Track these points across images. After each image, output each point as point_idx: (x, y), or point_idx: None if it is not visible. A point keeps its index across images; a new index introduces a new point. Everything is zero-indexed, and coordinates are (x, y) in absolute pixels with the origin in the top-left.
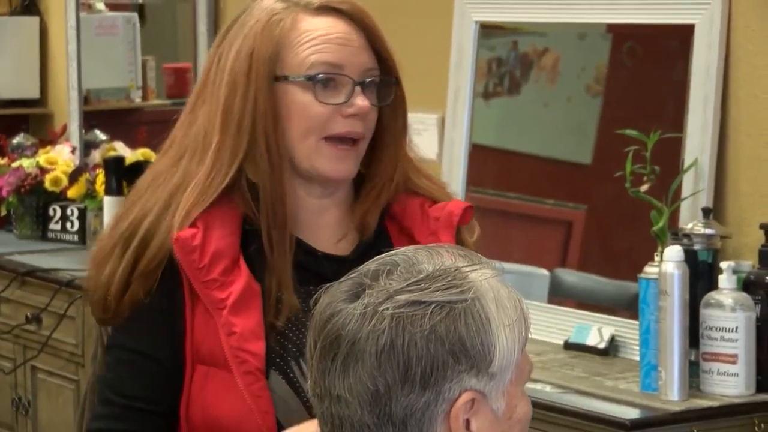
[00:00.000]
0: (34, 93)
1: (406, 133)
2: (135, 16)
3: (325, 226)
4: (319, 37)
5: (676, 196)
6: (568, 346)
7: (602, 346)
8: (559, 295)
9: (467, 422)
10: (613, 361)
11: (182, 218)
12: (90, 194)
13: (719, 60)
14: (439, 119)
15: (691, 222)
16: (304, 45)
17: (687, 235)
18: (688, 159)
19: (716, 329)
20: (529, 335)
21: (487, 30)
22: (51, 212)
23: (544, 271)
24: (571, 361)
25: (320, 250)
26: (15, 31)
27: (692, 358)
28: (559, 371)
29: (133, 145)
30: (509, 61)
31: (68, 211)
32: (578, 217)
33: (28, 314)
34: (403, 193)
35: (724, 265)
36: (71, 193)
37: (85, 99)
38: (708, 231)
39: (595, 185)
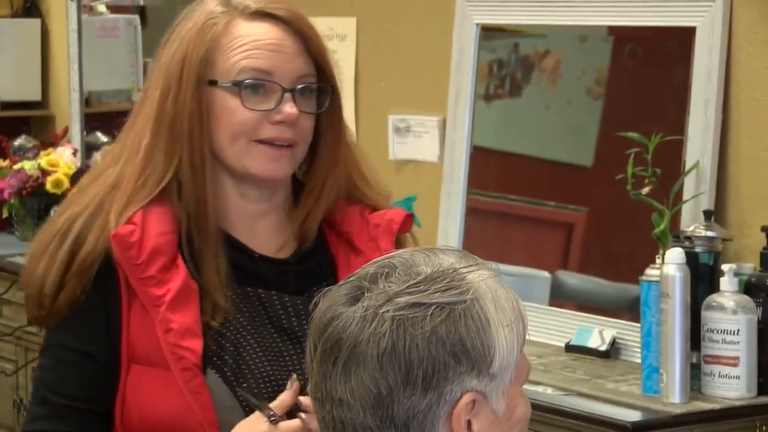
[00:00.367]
0: (35, 95)
1: (343, 141)
2: (136, 18)
3: (263, 231)
4: (250, 43)
5: (678, 199)
6: (570, 348)
7: (603, 348)
8: (560, 297)
9: (469, 423)
10: (614, 363)
11: (118, 215)
12: None
13: (720, 62)
14: (440, 121)
15: (693, 224)
16: (235, 50)
17: (688, 238)
18: (689, 161)
19: (717, 332)
20: (527, 335)
21: (488, 32)
22: (52, 214)
23: (545, 274)
24: (572, 364)
25: (258, 252)
26: (16, 34)
27: (693, 360)
28: (561, 373)
29: None
30: (510, 63)
31: None
32: (579, 220)
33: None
34: (343, 201)
35: (725, 267)
36: None
37: (86, 101)
38: (709, 233)
39: (596, 187)
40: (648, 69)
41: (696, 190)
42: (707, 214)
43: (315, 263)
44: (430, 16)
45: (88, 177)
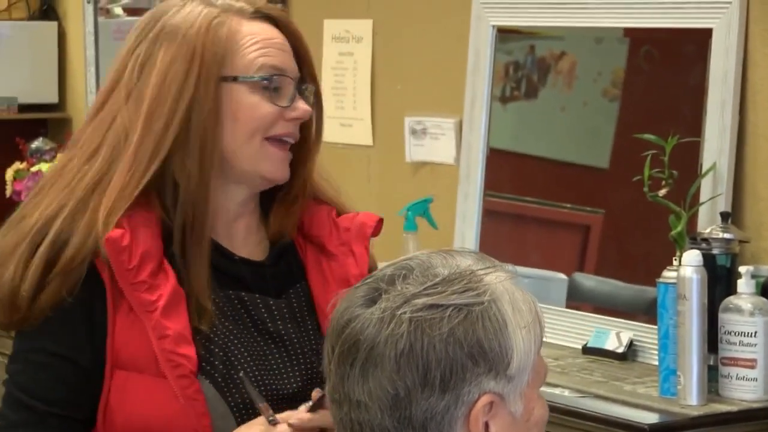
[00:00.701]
0: (52, 97)
1: (320, 142)
2: None
3: (240, 233)
4: (262, 41)
5: (695, 201)
6: (587, 350)
7: (620, 350)
8: (577, 299)
9: (486, 425)
10: (631, 365)
11: (106, 215)
12: None
13: (737, 64)
14: (457, 123)
15: (710, 226)
16: (250, 47)
17: (705, 240)
18: (706, 163)
19: (735, 334)
20: (544, 337)
21: (505, 34)
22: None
23: (562, 276)
24: (589, 366)
25: (238, 255)
26: (33, 37)
27: (711, 362)
28: (578, 376)
29: None
30: (526, 65)
31: None
32: (596, 222)
33: None
34: (310, 200)
35: (742, 269)
36: None
37: None
38: (726, 235)
39: (613, 189)
40: (664, 71)
41: (713, 191)
42: (724, 216)
43: (287, 265)
44: (446, 18)
45: (50, 177)
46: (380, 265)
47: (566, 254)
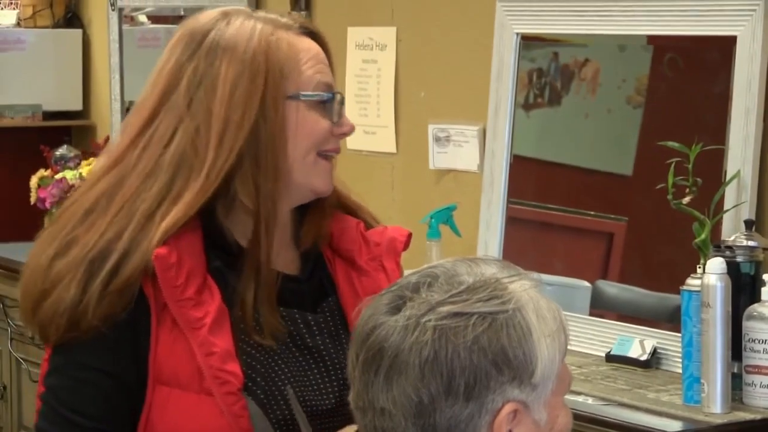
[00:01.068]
0: (77, 105)
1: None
2: (177, 28)
3: (276, 246)
4: (314, 57)
5: (719, 208)
6: (610, 358)
7: (644, 358)
8: (600, 307)
9: None
10: (655, 373)
11: (162, 235)
12: None
13: (761, 72)
14: (480, 131)
15: (734, 234)
16: (306, 64)
17: (729, 247)
18: (730, 171)
19: (759, 341)
20: (568, 346)
21: (528, 41)
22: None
23: (586, 283)
24: (613, 374)
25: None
26: (58, 44)
27: (735, 370)
28: (601, 383)
29: None
30: (550, 72)
31: None
32: (619, 229)
33: None
34: (337, 211)
35: (766, 277)
36: None
37: (127, 111)
38: (750, 243)
39: (637, 197)
40: (688, 78)
41: (737, 199)
42: (748, 224)
43: (318, 279)
44: (469, 26)
45: (100, 194)
46: (405, 272)
47: (590, 262)
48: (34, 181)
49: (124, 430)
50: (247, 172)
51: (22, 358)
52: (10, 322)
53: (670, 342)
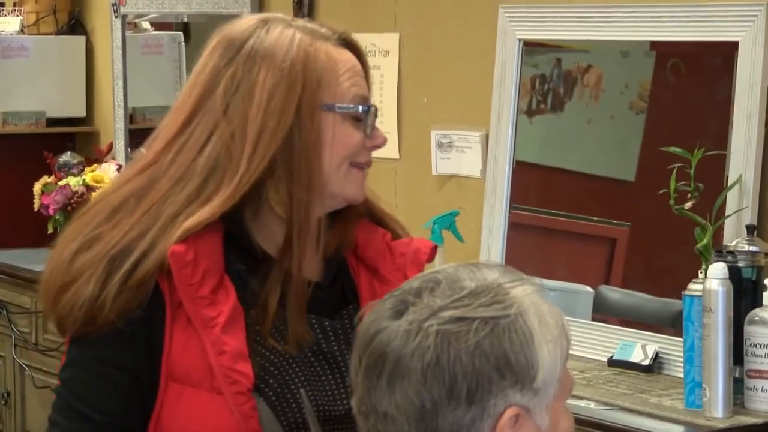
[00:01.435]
0: (80, 111)
1: None
2: (180, 35)
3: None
4: (351, 69)
5: (720, 214)
6: (612, 363)
7: (646, 363)
8: (602, 312)
9: None
10: (657, 378)
11: (181, 233)
12: None
13: (763, 77)
14: (483, 136)
15: (735, 239)
16: (344, 76)
17: (731, 252)
18: (732, 176)
19: (760, 346)
20: (570, 350)
21: (531, 47)
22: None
23: (588, 288)
24: (615, 378)
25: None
26: (62, 51)
27: (736, 375)
28: (603, 388)
29: None
30: (553, 78)
31: None
32: (622, 234)
33: None
34: (364, 219)
35: None
36: None
37: (130, 117)
38: (752, 248)
39: (639, 202)
40: (690, 84)
41: (739, 204)
42: (750, 229)
43: (340, 286)
44: (472, 32)
45: (129, 194)
46: None
47: (592, 267)
48: (37, 187)
49: (137, 425)
50: (280, 180)
51: (25, 364)
52: (14, 329)
53: (671, 347)
